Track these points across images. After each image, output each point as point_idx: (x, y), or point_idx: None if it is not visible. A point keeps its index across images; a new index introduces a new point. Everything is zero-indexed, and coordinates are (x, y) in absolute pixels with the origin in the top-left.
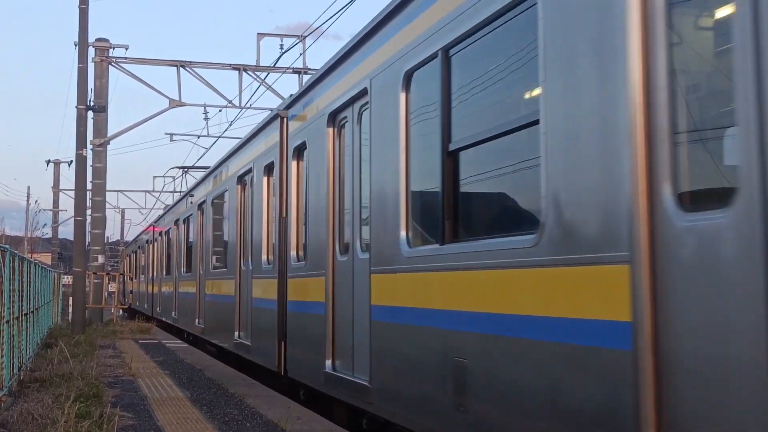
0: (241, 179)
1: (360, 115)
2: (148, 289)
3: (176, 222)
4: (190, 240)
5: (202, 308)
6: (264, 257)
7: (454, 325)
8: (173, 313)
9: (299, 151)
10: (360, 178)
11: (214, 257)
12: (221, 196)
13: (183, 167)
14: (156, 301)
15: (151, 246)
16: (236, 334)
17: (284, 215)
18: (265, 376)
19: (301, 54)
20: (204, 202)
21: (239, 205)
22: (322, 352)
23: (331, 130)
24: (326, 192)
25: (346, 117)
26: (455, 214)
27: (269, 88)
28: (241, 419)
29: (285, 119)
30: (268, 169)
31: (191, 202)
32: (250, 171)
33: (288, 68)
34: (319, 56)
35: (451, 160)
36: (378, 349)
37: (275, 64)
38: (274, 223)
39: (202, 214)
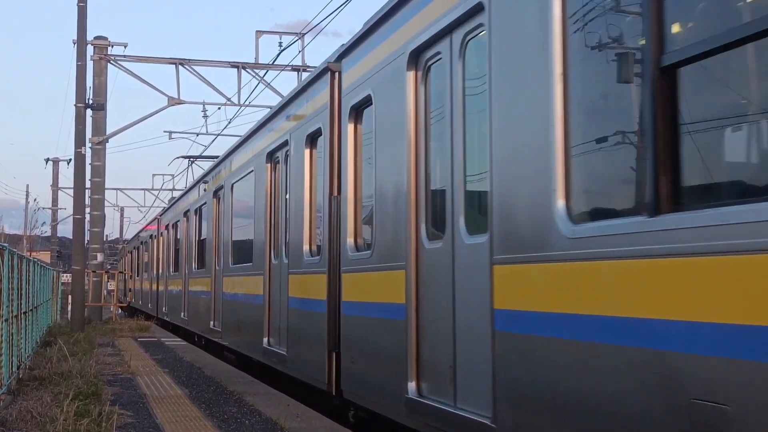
0: (272, 156)
1: (464, 45)
2: (152, 287)
3: (186, 213)
4: (204, 232)
5: (219, 309)
6: (305, 248)
7: (692, 346)
8: (182, 313)
9: (358, 111)
10: (464, 131)
11: (234, 250)
12: (244, 179)
13: (188, 157)
14: (161, 301)
15: (155, 241)
16: (265, 340)
17: (336, 194)
18: (299, 385)
19: (299, 51)
20: (221, 187)
21: (269, 187)
22: (400, 370)
23: (412, 74)
24: (405, 157)
25: (438, 54)
26: (676, 167)
27: (268, 85)
28: (239, 417)
29: (337, 73)
30: (311, 139)
31: (204, 190)
32: (284, 145)
33: (287, 66)
34: (318, 54)
35: (665, 80)
36: (512, 375)
37: (274, 61)
38: (320, 205)
39: (218, 202)
